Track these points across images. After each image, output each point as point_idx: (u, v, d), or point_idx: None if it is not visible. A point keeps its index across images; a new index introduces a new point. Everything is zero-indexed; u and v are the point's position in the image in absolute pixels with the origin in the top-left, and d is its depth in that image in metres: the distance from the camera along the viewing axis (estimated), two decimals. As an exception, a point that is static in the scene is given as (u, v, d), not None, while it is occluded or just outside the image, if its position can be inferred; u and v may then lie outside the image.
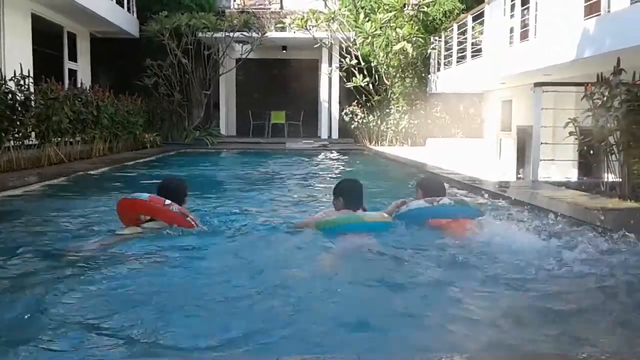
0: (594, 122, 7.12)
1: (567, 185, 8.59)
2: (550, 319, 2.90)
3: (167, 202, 4.41)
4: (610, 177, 7.38)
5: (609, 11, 8.75)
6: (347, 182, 4.75)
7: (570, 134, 7.58)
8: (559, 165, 10.72)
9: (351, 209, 4.45)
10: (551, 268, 3.63)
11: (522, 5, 11.85)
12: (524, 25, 11.85)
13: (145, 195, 4.47)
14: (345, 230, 4.23)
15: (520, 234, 4.46)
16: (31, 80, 10.10)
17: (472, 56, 14.93)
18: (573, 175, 10.99)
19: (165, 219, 4.42)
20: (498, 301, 3.17)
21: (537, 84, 9.21)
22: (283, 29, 19.25)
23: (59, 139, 10.90)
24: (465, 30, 15.36)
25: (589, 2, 9.37)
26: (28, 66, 10.89)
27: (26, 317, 2.81)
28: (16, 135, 9.58)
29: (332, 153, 16.18)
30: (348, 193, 4.56)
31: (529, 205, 5.80)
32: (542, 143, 9.08)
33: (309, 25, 18.07)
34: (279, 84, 20.94)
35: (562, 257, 3.79)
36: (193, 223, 4.47)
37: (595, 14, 9.14)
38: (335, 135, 19.39)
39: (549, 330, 2.74)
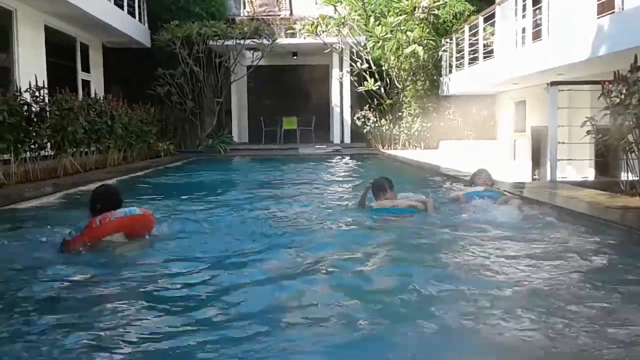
0: (612, 121, 7.04)
1: (584, 184, 8.50)
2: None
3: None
4: (629, 176, 7.28)
5: (622, 9, 8.67)
6: (378, 180, 5.89)
7: (588, 132, 7.50)
8: (575, 165, 10.63)
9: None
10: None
11: (534, 5, 11.78)
12: (536, 25, 11.78)
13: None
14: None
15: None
16: (46, 91, 10.18)
17: (484, 57, 14.86)
18: (590, 174, 10.90)
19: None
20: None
21: (553, 83, 9.13)
22: (293, 35, 19.30)
23: (75, 149, 10.95)
24: (477, 32, 15.30)
25: (601, 0, 9.30)
26: (42, 77, 11.00)
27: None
28: (32, 147, 9.63)
29: (345, 158, 16.15)
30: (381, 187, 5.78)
31: (549, 205, 5.74)
32: (558, 143, 8.99)
33: (319, 31, 18.08)
34: (290, 90, 20.95)
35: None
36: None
37: (609, 12, 9.06)
38: (347, 139, 19.37)
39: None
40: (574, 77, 11.43)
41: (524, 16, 12.42)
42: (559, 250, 4.22)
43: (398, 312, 3.03)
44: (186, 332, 2.73)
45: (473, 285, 3.38)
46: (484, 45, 14.95)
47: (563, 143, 9.16)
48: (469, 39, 15.84)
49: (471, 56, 15.76)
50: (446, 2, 18.23)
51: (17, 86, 9.75)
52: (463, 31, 16.25)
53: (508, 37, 13.26)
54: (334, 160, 15.59)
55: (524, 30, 12.46)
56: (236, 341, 2.62)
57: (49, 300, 3.27)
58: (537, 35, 11.69)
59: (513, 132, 16.34)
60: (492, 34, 14.82)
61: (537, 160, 13.95)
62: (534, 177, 13.69)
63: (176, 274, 3.71)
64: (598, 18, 9.35)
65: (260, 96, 21.28)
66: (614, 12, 8.86)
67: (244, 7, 21.87)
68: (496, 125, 18.16)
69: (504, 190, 6.49)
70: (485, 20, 14.79)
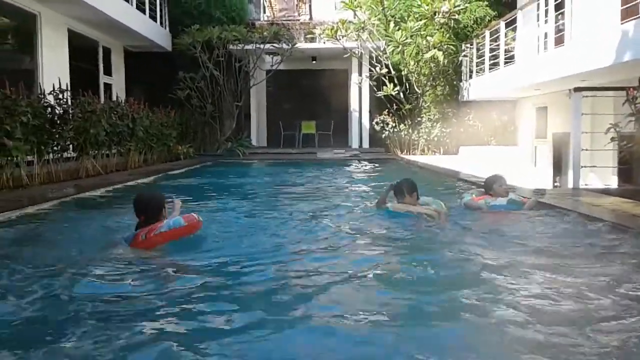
0: (637, 127, 6.94)
1: (608, 192, 8.38)
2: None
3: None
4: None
5: (647, 14, 8.55)
6: (402, 182, 5.88)
7: (612, 139, 7.40)
8: (598, 172, 10.49)
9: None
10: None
11: (556, 10, 11.67)
12: (559, 30, 11.67)
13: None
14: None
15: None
16: (69, 94, 10.30)
17: (505, 63, 14.75)
18: (613, 182, 10.74)
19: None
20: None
21: (577, 89, 9.02)
22: (313, 39, 19.33)
23: (96, 151, 11.07)
24: (497, 37, 15.20)
25: (625, 6, 9.19)
26: (65, 80, 11.14)
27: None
28: (55, 148, 9.76)
29: (363, 162, 16.11)
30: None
31: (573, 213, 5.67)
32: (582, 149, 8.87)
33: (339, 35, 18.09)
34: (309, 95, 20.99)
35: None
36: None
37: (634, 17, 8.95)
38: (366, 144, 19.33)
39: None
40: (597, 83, 11.29)
41: (546, 21, 12.31)
42: (587, 260, 4.15)
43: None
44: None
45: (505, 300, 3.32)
46: (505, 51, 14.84)
47: (586, 150, 9.04)
48: (490, 44, 15.74)
49: (492, 61, 15.66)
50: (467, 7, 18.14)
51: (41, 89, 9.86)
52: (484, 36, 16.16)
53: (530, 43, 13.15)
54: (352, 165, 15.56)
55: (546, 35, 12.35)
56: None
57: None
58: (559, 41, 11.57)
59: (534, 138, 16.19)
60: (514, 39, 14.70)
61: (558, 167, 13.79)
62: (555, 184, 13.54)
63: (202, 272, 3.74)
64: (622, 23, 9.24)
65: (279, 100, 21.36)
66: (638, 18, 8.75)
67: (264, 12, 21.97)
68: (517, 131, 18.01)
69: (522, 196, 6.41)
70: (507, 25, 14.68)
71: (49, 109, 9.54)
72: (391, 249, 4.65)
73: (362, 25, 18.06)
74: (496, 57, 15.32)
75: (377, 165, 15.31)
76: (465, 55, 18.02)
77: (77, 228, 5.66)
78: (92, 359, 2.48)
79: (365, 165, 15.36)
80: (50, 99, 9.77)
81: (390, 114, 18.45)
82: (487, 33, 15.83)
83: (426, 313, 3.07)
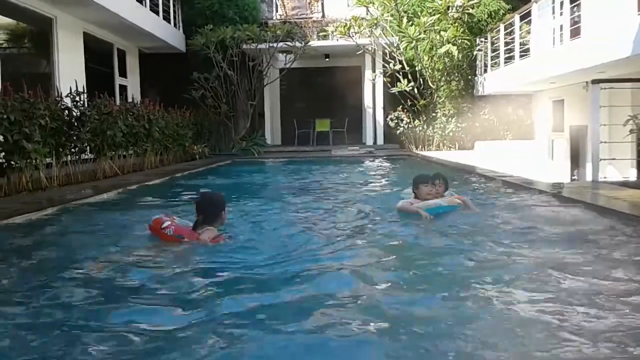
0: (657, 119, 6.86)
1: (627, 185, 8.30)
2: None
3: (165, 224, 4.49)
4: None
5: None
6: (419, 176, 5.99)
7: (631, 131, 7.32)
8: (616, 165, 10.39)
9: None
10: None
11: (572, 2, 11.55)
12: (574, 22, 11.55)
13: (151, 220, 4.62)
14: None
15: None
16: (85, 96, 10.40)
17: (520, 56, 14.63)
18: (632, 174, 10.63)
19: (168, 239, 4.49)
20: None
21: (595, 81, 8.92)
22: (326, 37, 19.31)
23: (113, 152, 11.17)
24: (512, 31, 15.08)
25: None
26: (81, 82, 11.25)
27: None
28: (73, 150, 9.86)
29: (378, 159, 16.06)
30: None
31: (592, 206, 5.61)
32: (600, 142, 8.78)
33: (352, 32, 18.06)
34: (323, 92, 20.98)
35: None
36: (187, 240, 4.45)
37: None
38: (380, 141, 19.30)
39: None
40: (615, 75, 11.17)
41: (561, 13, 12.19)
42: (608, 255, 4.11)
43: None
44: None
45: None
46: (520, 44, 14.71)
47: (604, 142, 8.94)
48: (505, 38, 15.62)
49: (507, 55, 15.54)
50: (480, 1, 18.01)
51: (58, 91, 9.96)
52: (498, 30, 16.04)
53: (545, 35, 13.03)
54: (367, 162, 15.53)
55: (561, 27, 12.23)
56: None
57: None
58: (575, 33, 11.45)
59: (551, 132, 16.06)
60: (528, 32, 14.57)
61: (576, 160, 13.68)
62: (573, 177, 13.43)
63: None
64: (639, 14, 9.13)
65: (292, 98, 21.38)
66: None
67: (277, 11, 22.00)
68: (533, 125, 17.87)
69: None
70: (522, 18, 14.56)
71: (66, 111, 9.64)
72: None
73: (375, 21, 18.00)
74: (511, 50, 15.21)
75: (392, 161, 15.27)
76: (479, 50, 17.89)
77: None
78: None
79: (381, 162, 15.32)
80: (67, 101, 9.88)
81: (405, 110, 18.40)
82: (502, 27, 15.72)
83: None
